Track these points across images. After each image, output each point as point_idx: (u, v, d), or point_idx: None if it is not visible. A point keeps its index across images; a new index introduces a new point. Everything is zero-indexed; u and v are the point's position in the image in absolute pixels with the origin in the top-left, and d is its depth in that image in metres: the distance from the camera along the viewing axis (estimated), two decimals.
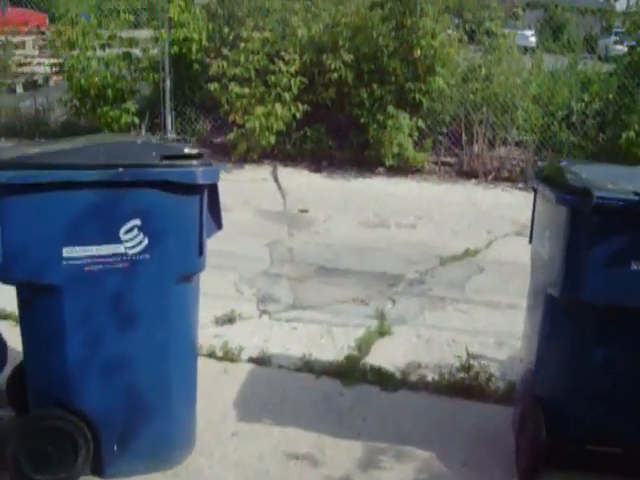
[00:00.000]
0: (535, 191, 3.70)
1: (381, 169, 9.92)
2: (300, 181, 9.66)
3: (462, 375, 4.60)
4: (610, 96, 10.15)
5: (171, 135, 10.83)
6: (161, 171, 3.04)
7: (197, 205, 3.13)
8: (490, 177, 9.81)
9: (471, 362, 4.69)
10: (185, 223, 3.14)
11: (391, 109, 9.54)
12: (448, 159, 10.19)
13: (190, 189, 3.08)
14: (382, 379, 4.60)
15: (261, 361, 4.79)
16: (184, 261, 3.20)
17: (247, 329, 5.31)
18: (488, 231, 7.94)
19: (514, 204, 8.90)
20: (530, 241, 3.85)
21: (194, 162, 3.11)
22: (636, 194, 2.90)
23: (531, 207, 3.87)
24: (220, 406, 4.19)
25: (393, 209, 8.58)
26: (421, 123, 9.87)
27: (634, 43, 10.26)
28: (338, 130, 10.26)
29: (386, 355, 5.01)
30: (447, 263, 6.92)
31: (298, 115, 9.87)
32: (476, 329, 5.51)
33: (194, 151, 3.16)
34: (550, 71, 10.80)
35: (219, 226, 3.40)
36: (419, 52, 9.54)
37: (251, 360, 4.80)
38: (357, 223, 8.07)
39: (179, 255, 3.17)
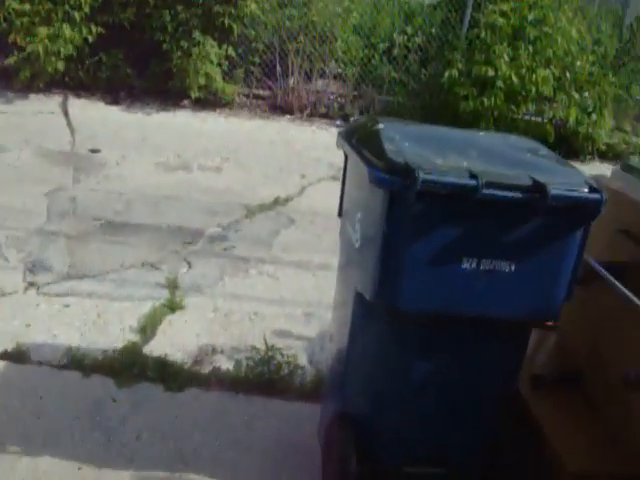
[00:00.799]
0: (346, 157, 2.96)
1: (187, 102, 8.96)
2: (94, 115, 8.51)
3: (262, 368, 3.88)
4: (433, 30, 9.62)
5: None
6: None
7: None
8: (306, 113, 9.09)
9: (270, 354, 3.98)
10: None
11: (197, 35, 8.53)
12: (261, 92, 9.35)
13: None
14: (166, 374, 3.80)
15: (17, 356, 3.84)
16: None
17: (6, 309, 4.33)
18: (302, 175, 7.25)
19: (331, 144, 8.02)
20: (339, 214, 3.12)
21: None
22: (472, 175, 2.21)
23: None
24: None
25: (197, 148, 7.68)
26: (232, 51, 8.93)
27: None
28: (139, 57, 9.07)
29: (175, 338, 4.23)
30: (254, 214, 6.17)
31: (91, 38, 8.64)
32: (283, 297, 4.83)
33: None
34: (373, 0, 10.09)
35: None
36: None
37: (4, 356, 3.84)
38: (155, 165, 7.13)
39: None
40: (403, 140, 2.49)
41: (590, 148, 9.12)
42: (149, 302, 4.56)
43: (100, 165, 7.01)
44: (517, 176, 2.31)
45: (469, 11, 9.17)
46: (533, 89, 8.58)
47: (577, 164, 9.10)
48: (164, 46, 8.65)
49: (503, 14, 8.63)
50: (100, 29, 8.64)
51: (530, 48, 8.63)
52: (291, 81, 9.08)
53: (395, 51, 9.52)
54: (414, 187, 2.18)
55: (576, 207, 2.31)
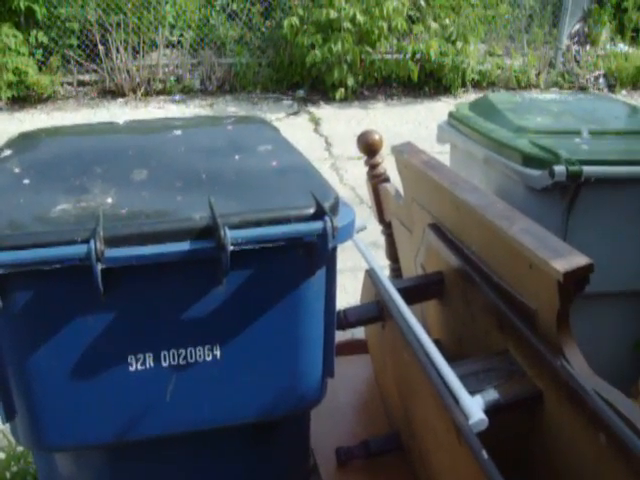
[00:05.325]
0: None
1: (2, 103, 7.75)
2: None
3: None
4: None
5: None
6: None
7: None
8: (140, 92, 7.99)
9: None
10: None
11: None
12: (87, 77, 8.17)
13: None
14: None
15: None
16: None
17: None
18: None
19: None
20: None
21: None
22: (83, 237, 1.28)
23: None
24: None
25: None
26: (42, 37, 7.75)
27: None
28: None
29: None
30: None
31: None
32: None
33: None
34: None
35: None
36: None
37: None
38: None
39: None
40: (26, 174, 1.56)
41: (460, 80, 8.29)
42: None
43: None
44: (185, 211, 1.41)
45: None
46: (385, 25, 7.69)
47: (450, 100, 8.30)
48: None
49: None
50: None
51: None
52: (117, 60, 7.93)
53: (234, 5, 8.43)
54: None
55: (286, 248, 1.42)
